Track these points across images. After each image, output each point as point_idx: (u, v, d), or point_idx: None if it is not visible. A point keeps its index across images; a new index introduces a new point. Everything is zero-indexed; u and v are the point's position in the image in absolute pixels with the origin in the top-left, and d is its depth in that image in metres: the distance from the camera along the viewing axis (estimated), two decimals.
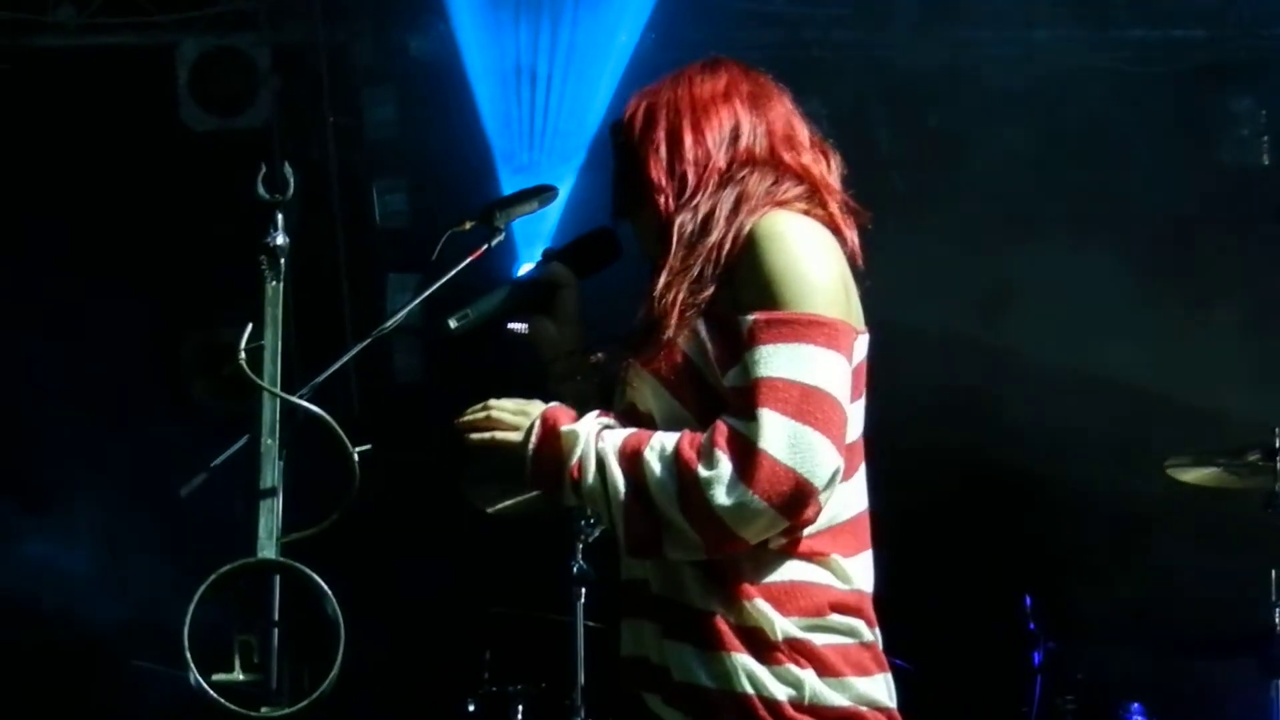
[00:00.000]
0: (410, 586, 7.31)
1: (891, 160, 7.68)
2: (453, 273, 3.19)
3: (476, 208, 3.29)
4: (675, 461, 2.75)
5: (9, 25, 7.77)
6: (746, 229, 2.85)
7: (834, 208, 2.96)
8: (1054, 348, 7.37)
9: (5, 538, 7.47)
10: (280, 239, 2.96)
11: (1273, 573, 5.82)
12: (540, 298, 3.17)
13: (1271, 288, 7.32)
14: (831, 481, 2.74)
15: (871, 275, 2.99)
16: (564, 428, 2.88)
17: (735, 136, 2.97)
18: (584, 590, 5.65)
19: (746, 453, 2.70)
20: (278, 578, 2.84)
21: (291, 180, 2.99)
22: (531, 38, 7.71)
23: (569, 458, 2.85)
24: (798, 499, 2.71)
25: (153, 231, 7.66)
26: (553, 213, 7.02)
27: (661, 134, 2.98)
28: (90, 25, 7.82)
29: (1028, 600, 6.46)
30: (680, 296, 2.85)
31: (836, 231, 2.94)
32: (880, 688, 2.87)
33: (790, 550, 2.82)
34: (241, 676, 2.83)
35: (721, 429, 2.74)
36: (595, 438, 2.84)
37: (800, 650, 2.79)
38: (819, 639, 2.81)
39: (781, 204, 2.90)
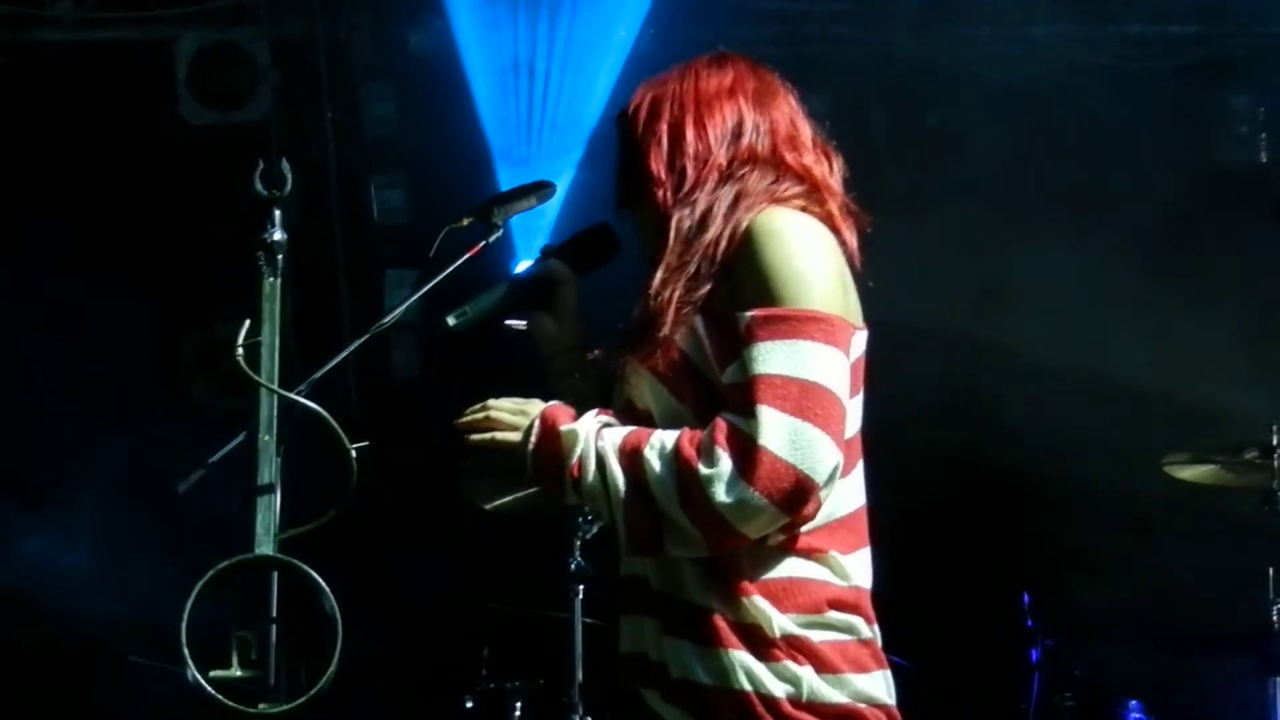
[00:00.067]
0: (408, 583, 7.31)
1: (890, 157, 7.67)
2: (451, 269, 3.19)
3: (474, 204, 3.29)
4: (675, 459, 2.75)
5: (7, 19, 7.76)
6: (744, 225, 2.85)
7: (833, 207, 2.96)
8: (1051, 345, 7.37)
9: (3, 536, 7.47)
10: (278, 235, 2.96)
11: (1270, 570, 5.82)
12: (539, 294, 3.17)
13: (1269, 285, 7.32)
14: (832, 477, 2.74)
15: (869, 273, 2.99)
16: (563, 427, 2.87)
17: (738, 134, 2.97)
18: (582, 587, 5.65)
19: (746, 449, 2.70)
20: (275, 574, 2.84)
21: (289, 176, 2.99)
22: (530, 34, 7.71)
23: (569, 457, 2.85)
24: (798, 495, 2.71)
25: (150, 227, 7.65)
26: (551, 209, 7.03)
27: (664, 127, 2.98)
28: (88, 19, 7.82)
29: (1026, 598, 6.47)
30: (677, 294, 2.85)
31: (834, 231, 2.94)
32: (879, 685, 2.87)
33: (789, 547, 2.82)
34: (239, 673, 2.83)
35: (721, 426, 2.74)
36: (595, 436, 2.84)
37: (798, 647, 2.79)
38: (817, 636, 2.81)
39: (779, 201, 2.90)
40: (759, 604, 2.79)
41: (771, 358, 2.74)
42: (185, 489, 2.99)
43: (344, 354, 3.18)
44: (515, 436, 2.92)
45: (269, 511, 2.84)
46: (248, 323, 2.90)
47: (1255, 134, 7.84)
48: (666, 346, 2.85)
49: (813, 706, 2.78)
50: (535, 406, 2.94)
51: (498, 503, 3.14)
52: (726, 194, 2.91)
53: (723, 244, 2.86)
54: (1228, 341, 7.21)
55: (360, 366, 7.50)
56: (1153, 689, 6.35)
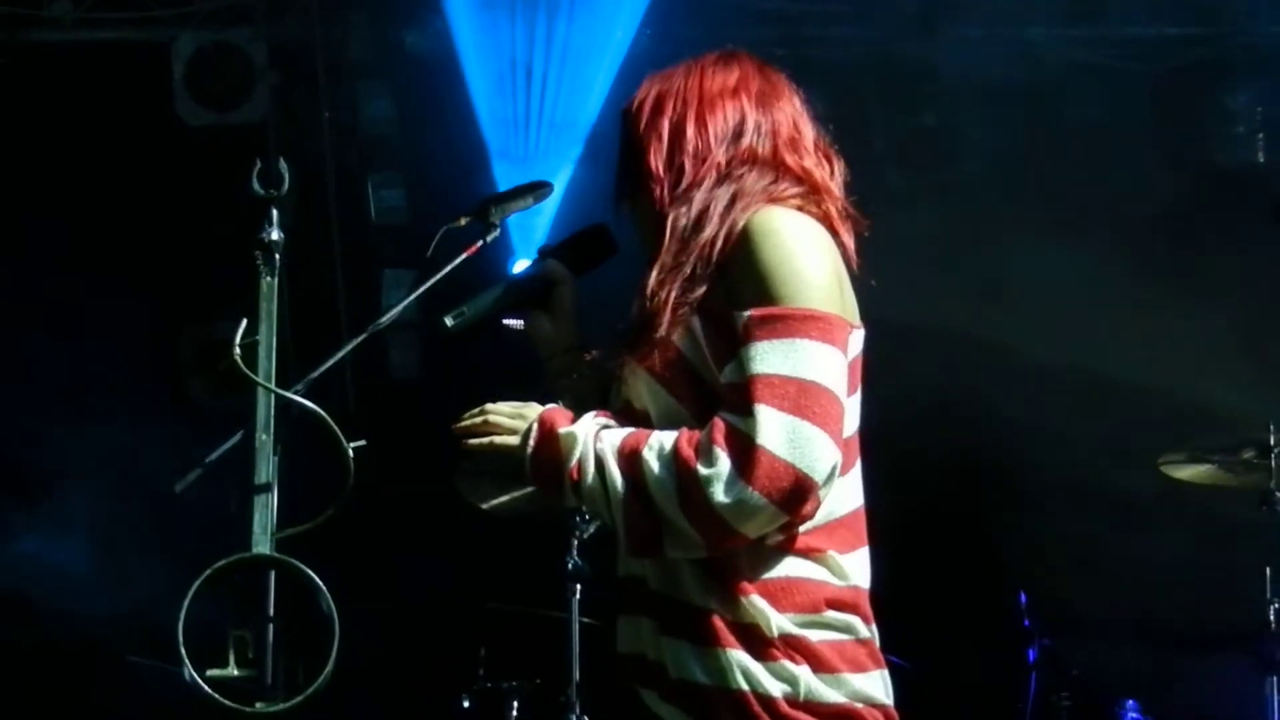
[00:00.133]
0: (406, 582, 7.31)
1: (888, 157, 7.68)
2: (448, 268, 3.19)
3: (472, 203, 3.29)
4: (674, 460, 2.75)
5: (5, 19, 7.76)
6: (740, 225, 2.85)
7: (831, 208, 2.96)
8: (1049, 344, 7.37)
9: (1, 535, 7.47)
10: (275, 234, 2.96)
11: (1267, 569, 5.82)
12: (536, 295, 3.17)
13: (1267, 285, 7.32)
14: (830, 476, 2.74)
15: (868, 272, 2.99)
16: (562, 429, 2.87)
17: (738, 133, 2.97)
18: (579, 586, 5.66)
19: (745, 449, 2.70)
20: (272, 573, 2.84)
21: (287, 176, 2.99)
22: (527, 33, 7.71)
23: (568, 459, 2.85)
24: (797, 494, 2.70)
25: (147, 227, 7.65)
26: (548, 209, 7.04)
27: (666, 123, 2.98)
28: (86, 20, 7.82)
29: (1023, 597, 6.47)
30: (673, 295, 2.85)
31: (832, 231, 2.93)
32: (877, 684, 2.87)
33: (787, 547, 2.82)
34: (236, 672, 2.83)
35: (719, 426, 2.74)
36: (593, 438, 2.84)
37: (796, 646, 2.79)
38: (815, 635, 2.81)
39: (776, 201, 2.90)
40: (757, 604, 2.79)
41: (769, 357, 2.74)
42: (183, 488, 2.99)
43: (341, 353, 3.18)
44: (513, 440, 2.92)
45: (266, 511, 2.84)
46: (245, 322, 2.90)
47: (1253, 134, 7.84)
48: (663, 346, 2.84)
49: (810, 706, 2.78)
50: (533, 410, 2.94)
51: (495, 502, 3.14)
52: (723, 193, 2.90)
53: (719, 244, 2.85)
54: (1225, 341, 7.22)
55: (358, 366, 7.50)
56: (1149, 688, 6.36)
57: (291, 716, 2.81)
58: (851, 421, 2.88)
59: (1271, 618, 5.80)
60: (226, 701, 2.79)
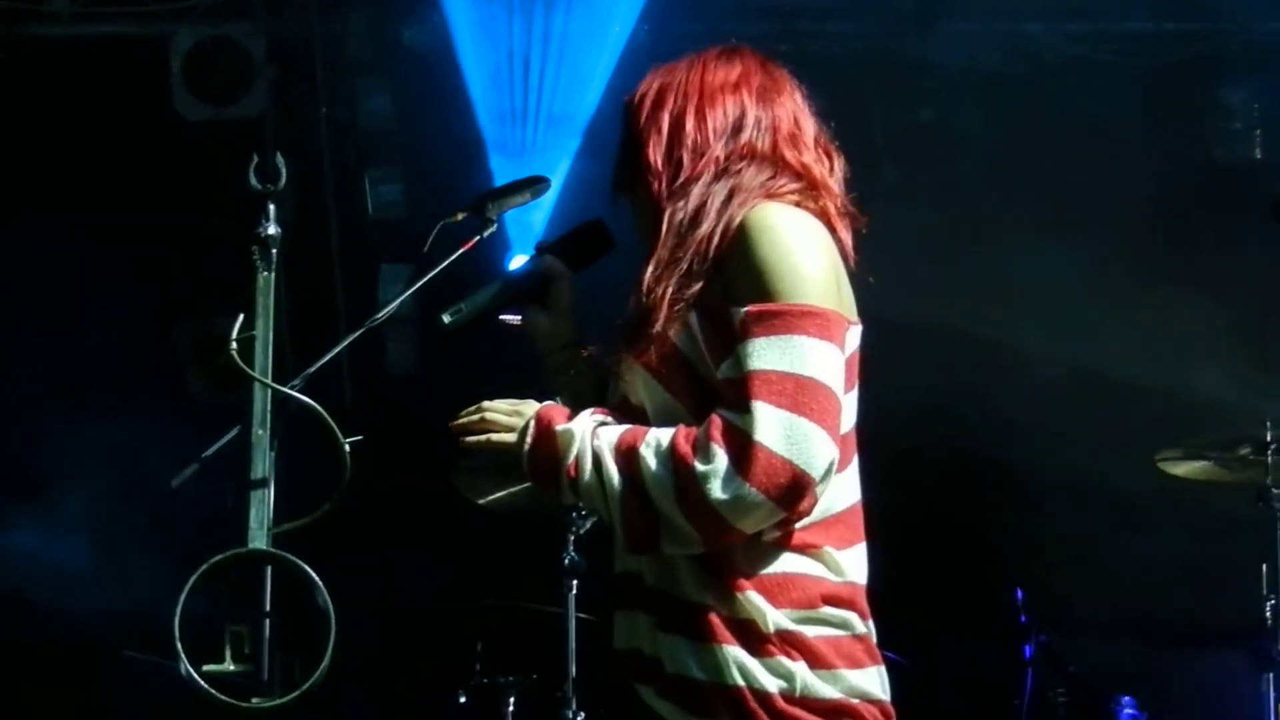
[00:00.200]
0: (402, 578, 7.31)
1: (885, 152, 7.68)
2: (445, 264, 3.19)
3: (469, 199, 3.29)
4: (671, 456, 2.75)
5: (4, 13, 7.75)
6: (737, 220, 2.85)
7: (829, 205, 2.96)
8: (1046, 340, 7.37)
9: None
10: (272, 229, 2.96)
11: (1264, 567, 5.82)
12: (534, 291, 3.17)
13: (1265, 281, 7.32)
14: (828, 472, 2.74)
15: (865, 269, 2.99)
16: (559, 427, 2.87)
17: (738, 128, 2.97)
18: (575, 582, 5.65)
19: (742, 446, 2.70)
20: (269, 568, 2.84)
21: (284, 171, 2.99)
22: (525, 28, 7.70)
23: (565, 456, 2.85)
24: (795, 490, 2.70)
25: (145, 221, 7.65)
26: (546, 203, 7.04)
27: (665, 116, 2.98)
28: (84, 14, 7.81)
29: (1019, 594, 6.46)
30: (670, 291, 2.85)
31: (830, 227, 2.93)
32: (873, 680, 2.87)
33: (784, 543, 2.82)
34: (232, 667, 2.83)
35: (717, 422, 2.74)
36: (591, 435, 2.84)
37: (792, 642, 2.79)
38: (811, 631, 2.81)
39: (774, 196, 2.90)
40: (753, 599, 2.79)
41: (766, 353, 2.74)
42: (179, 483, 3.00)
43: (338, 348, 3.18)
44: (511, 437, 2.92)
45: (263, 506, 2.84)
46: (242, 317, 2.90)
47: (1250, 130, 7.83)
48: (660, 342, 2.84)
49: (806, 702, 2.78)
50: (530, 407, 2.94)
51: (492, 498, 3.15)
52: (721, 189, 2.90)
53: (715, 239, 2.85)
54: (1222, 338, 7.21)
55: (355, 361, 7.49)
56: (1146, 685, 6.35)
57: (288, 712, 2.81)
58: (849, 417, 2.88)
59: (1268, 614, 5.80)
60: (223, 697, 2.79)
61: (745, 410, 2.71)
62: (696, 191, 2.91)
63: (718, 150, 2.95)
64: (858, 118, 7.58)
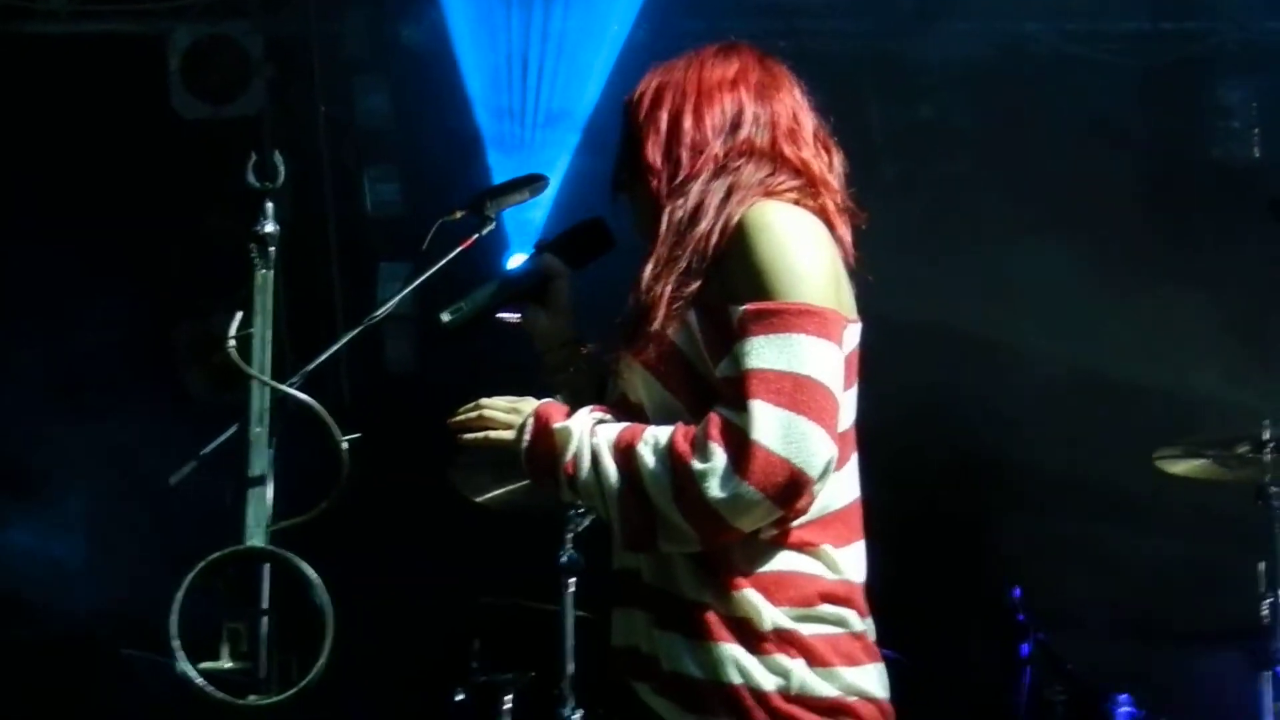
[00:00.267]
0: (399, 575, 7.30)
1: (884, 150, 7.68)
2: (443, 262, 3.20)
3: (467, 197, 3.29)
4: (669, 455, 2.75)
5: (1, 11, 7.75)
6: (735, 219, 2.85)
7: (828, 202, 2.96)
8: (1044, 339, 7.37)
9: None
10: (270, 227, 2.96)
11: (1261, 565, 5.82)
12: (533, 289, 3.17)
13: (1262, 280, 7.32)
14: (826, 471, 2.74)
15: (864, 267, 2.99)
16: (557, 424, 2.87)
17: (736, 125, 2.97)
18: (573, 579, 5.65)
19: (741, 444, 2.70)
20: (266, 566, 2.84)
21: (282, 169, 2.99)
22: (523, 26, 7.70)
23: (563, 454, 2.85)
24: (793, 489, 2.71)
25: (143, 220, 7.65)
26: (545, 202, 7.03)
27: (664, 114, 2.98)
28: (82, 12, 7.81)
29: (1017, 592, 6.45)
30: (668, 289, 2.85)
31: (829, 225, 2.93)
32: (871, 678, 2.87)
33: (781, 541, 2.82)
34: (229, 664, 2.83)
35: (715, 421, 2.74)
36: (589, 433, 2.84)
37: (789, 640, 2.79)
38: (808, 629, 2.81)
39: (772, 194, 2.90)
40: (750, 597, 2.79)
41: (764, 352, 2.74)
42: (177, 481, 3.00)
43: (336, 346, 3.19)
44: (509, 435, 2.92)
45: (260, 503, 2.84)
46: (240, 315, 2.90)
47: (1249, 129, 7.83)
48: (658, 340, 2.84)
49: (803, 700, 2.78)
50: (528, 404, 2.94)
51: (490, 496, 3.15)
52: (719, 187, 2.90)
53: (714, 238, 2.85)
54: (1220, 336, 7.22)
55: (353, 359, 7.48)
56: (1143, 683, 6.35)
57: (285, 709, 2.81)
58: (847, 415, 2.88)
59: (1265, 613, 5.79)
60: (220, 694, 2.79)
61: (743, 409, 2.71)
62: (695, 189, 2.91)
63: (716, 148, 2.95)
64: (856, 115, 7.58)
